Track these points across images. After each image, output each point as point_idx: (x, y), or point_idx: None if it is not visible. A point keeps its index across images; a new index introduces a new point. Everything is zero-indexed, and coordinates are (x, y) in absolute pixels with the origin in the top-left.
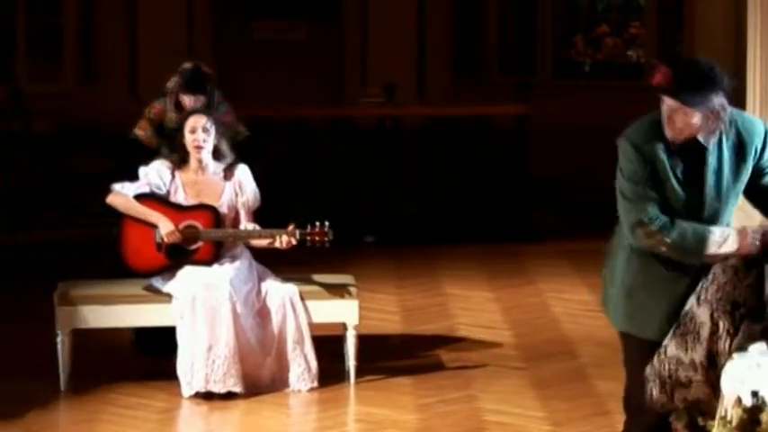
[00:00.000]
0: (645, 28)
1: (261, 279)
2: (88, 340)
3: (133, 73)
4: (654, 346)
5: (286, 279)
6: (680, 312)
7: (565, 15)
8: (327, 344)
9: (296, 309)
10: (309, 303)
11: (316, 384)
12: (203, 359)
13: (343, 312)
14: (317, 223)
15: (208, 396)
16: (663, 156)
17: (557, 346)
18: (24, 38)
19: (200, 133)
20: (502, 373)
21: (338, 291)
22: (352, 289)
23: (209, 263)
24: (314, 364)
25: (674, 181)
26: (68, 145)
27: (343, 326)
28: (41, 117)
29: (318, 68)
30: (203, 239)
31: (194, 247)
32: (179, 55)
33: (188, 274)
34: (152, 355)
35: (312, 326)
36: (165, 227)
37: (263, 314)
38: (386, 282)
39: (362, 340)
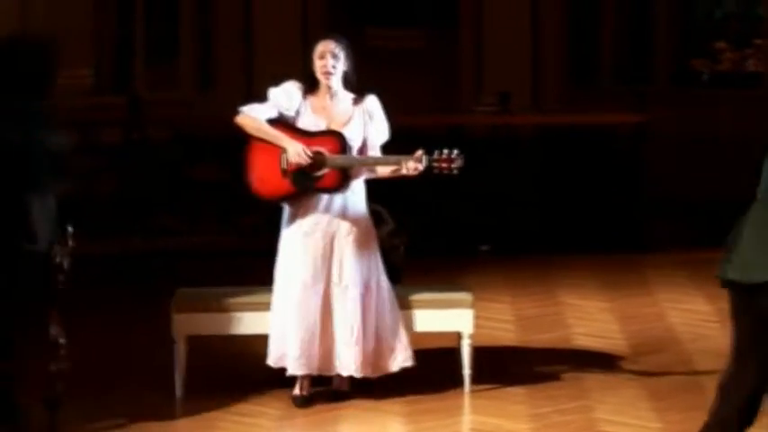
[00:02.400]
0: (764, 39)
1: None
2: (204, 347)
3: (249, 79)
4: None
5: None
6: None
7: (682, 23)
8: (442, 353)
9: (381, 293)
10: (424, 312)
11: (409, 364)
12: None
13: (458, 321)
14: (446, 150)
15: (317, 398)
16: None
17: (673, 357)
18: (142, 46)
19: (330, 59)
20: (617, 383)
21: (453, 300)
22: (468, 298)
23: (334, 190)
24: (403, 342)
25: None
26: (186, 152)
27: (458, 335)
28: (159, 125)
29: (433, 76)
30: (329, 165)
31: (320, 173)
32: (294, 61)
33: (293, 262)
34: None
35: (399, 317)
36: (293, 148)
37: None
38: (500, 291)
39: (477, 349)
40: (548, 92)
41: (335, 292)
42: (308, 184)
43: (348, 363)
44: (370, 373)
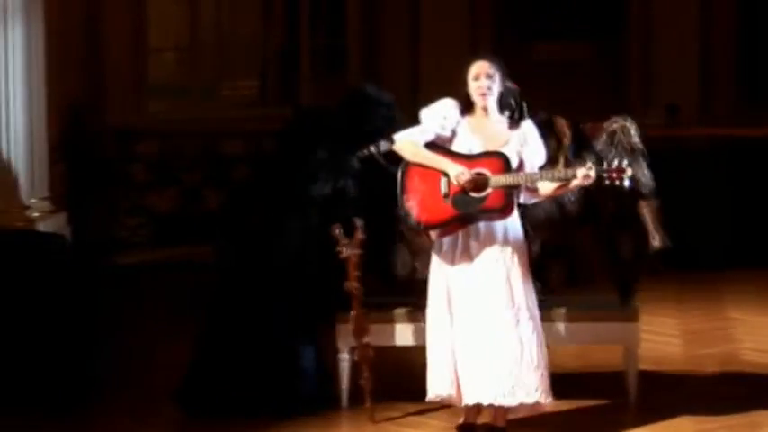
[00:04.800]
0: None
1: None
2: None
3: (414, 96)
4: None
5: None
6: None
7: None
8: (607, 366)
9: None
10: (589, 325)
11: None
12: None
13: (625, 335)
14: (615, 161)
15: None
16: None
17: None
18: (308, 58)
19: (484, 79)
20: None
21: (619, 313)
22: (634, 312)
23: (499, 211)
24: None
25: None
26: None
27: (624, 349)
28: None
29: (599, 89)
30: (493, 186)
31: (483, 195)
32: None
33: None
34: None
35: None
36: (454, 170)
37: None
38: (667, 305)
39: (643, 363)
40: (717, 104)
41: (507, 316)
42: (471, 208)
43: (531, 389)
44: (550, 399)
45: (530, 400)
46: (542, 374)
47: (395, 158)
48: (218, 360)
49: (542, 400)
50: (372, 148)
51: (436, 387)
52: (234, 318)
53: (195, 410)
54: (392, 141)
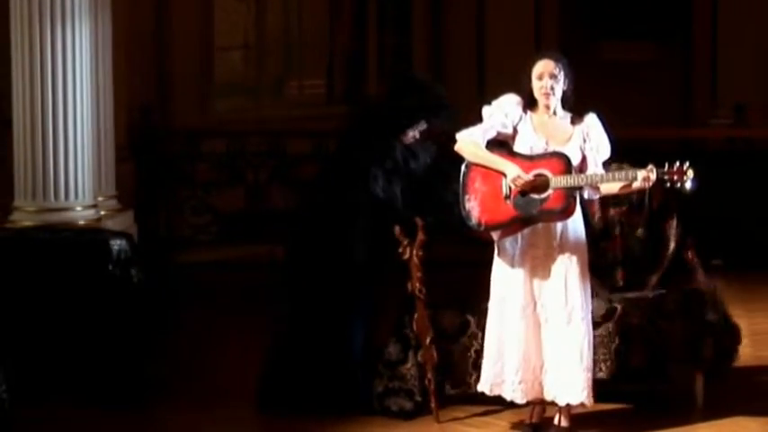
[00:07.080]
0: None
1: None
2: None
3: (480, 94)
4: None
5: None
6: None
7: None
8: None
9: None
10: None
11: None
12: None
13: None
14: (677, 163)
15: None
16: None
17: None
18: (375, 57)
19: (548, 79)
20: None
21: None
22: None
23: (560, 212)
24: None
25: None
26: None
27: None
28: None
29: (665, 89)
30: (553, 186)
31: (544, 196)
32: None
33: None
34: None
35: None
36: (513, 171)
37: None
38: (734, 305)
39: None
40: None
41: (560, 315)
42: (532, 209)
43: (577, 390)
44: (592, 401)
45: (575, 400)
46: (589, 376)
47: (458, 158)
48: (297, 361)
49: (587, 402)
50: (412, 132)
51: (489, 381)
52: (312, 319)
53: (274, 410)
54: (430, 125)
